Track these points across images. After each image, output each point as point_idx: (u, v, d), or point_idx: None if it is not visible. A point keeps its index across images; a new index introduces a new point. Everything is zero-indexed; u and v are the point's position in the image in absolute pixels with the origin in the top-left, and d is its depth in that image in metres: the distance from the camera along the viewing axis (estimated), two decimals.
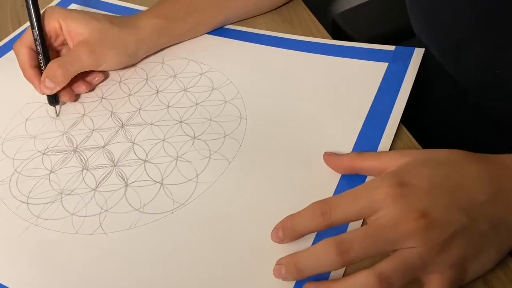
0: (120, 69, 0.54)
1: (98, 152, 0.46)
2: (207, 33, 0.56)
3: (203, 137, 0.46)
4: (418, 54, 0.50)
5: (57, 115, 0.50)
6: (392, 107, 0.45)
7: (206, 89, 0.51)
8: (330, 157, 0.41)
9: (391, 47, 0.51)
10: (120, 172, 0.44)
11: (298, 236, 0.34)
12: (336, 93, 0.48)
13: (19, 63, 0.49)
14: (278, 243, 0.35)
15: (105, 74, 0.53)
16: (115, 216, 0.41)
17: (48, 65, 0.48)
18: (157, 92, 0.51)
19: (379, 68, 0.49)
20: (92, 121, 0.49)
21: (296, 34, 0.55)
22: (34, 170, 0.45)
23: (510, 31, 0.42)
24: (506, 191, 0.33)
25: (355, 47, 0.52)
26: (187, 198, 0.41)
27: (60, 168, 0.45)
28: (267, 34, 0.56)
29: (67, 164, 0.45)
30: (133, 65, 0.54)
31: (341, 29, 0.67)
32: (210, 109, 0.48)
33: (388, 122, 0.44)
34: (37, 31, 0.48)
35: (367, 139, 0.43)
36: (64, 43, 0.52)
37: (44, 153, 0.47)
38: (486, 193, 0.32)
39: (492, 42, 0.45)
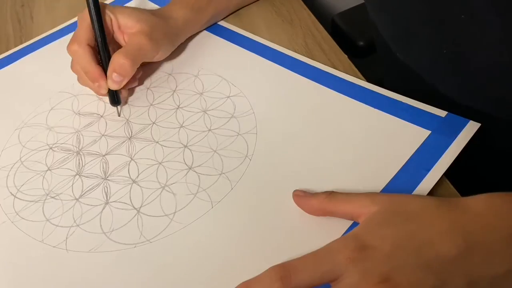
0: (153, 74, 0.53)
1: (97, 160, 0.45)
2: (244, 47, 0.54)
3: (199, 170, 0.42)
4: (471, 127, 0.41)
5: (119, 115, 0.49)
6: (419, 183, 0.38)
7: (225, 115, 0.47)
8: (299, 197, 0.38)
9: (442, 113, 0.43)
10: (107, 187, 0.42)
11: None
12: (361, 150, 0.42)
13: (78, 63, 0.48)
14: None
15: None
16: (83, 234, 0.39)
17: (113, 57, 0.47)
18: (178, 108, 0.49)
19: (419, 135, 0.42)
20: (106, 125, 0.48)
21: (297, 34, 0.55)
22: (34, 163, 0.45)
23: (453, 15, 0.40)
24: (480, 243, 0.30)
25: (400, 101, 0.45)
26: (155, 235, 0.38)
27: (57, 168, 0.45)
28: (305, 61, 0.51)
29: (65, 165, 0.45)
30: (168, 73, 0.52)
31: (341, 29, 0.66)
32: (220, 138, 0.45)
33: None
34: (97, 26, 0.47)
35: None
36: (110, 40, 0.50)
37: (51, 148, 0.47)
38: (457, 248, 0.30)
39: (438, 28, 0.42)
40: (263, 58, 0.52)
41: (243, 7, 0.60)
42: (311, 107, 0.46)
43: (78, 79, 0.50)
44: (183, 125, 0.47)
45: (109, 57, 0.47)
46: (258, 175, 0.41)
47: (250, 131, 0.45)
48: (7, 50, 0.59)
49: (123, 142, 0.46)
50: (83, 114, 0.50)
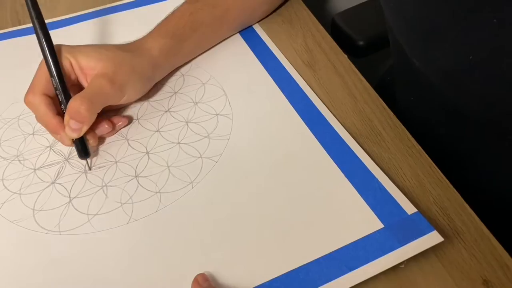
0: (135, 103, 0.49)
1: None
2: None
3: (142, 181, 0.42)
4: (430, 239, 0.34)
5: (90, 169, 0.44)
6: (331, 279, 0.33)
7: (203, 132, 0.45)
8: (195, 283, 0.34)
9: (411, 209, 0.36)
10: (62, 168, 0.44)
11: None
12: (308, 212, 0.38)
13: (37, 115, 0.44)
14: None
15: (129, 119, 0.48)
16: (17, 204, 0.42)
17: (69, 103, 0.42)
18: (167, 111, 0.48)
19: (369, 225, 0.36)
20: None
21: (297, 34, 0.54)
22: (26, 124, 0.49)
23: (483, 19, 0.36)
24: None
25: (376, 179, 0.39)
26: (68, 229, 0.39)
27: (39, 135, 0.48)
28: (298, 81, 0.48)
29: (47, 134, 0.48)
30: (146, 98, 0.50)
31: (341, 28, 0.65)
32: (181, 155, 0.44)
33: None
34: (54, 71, 0.43)
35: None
36: (74, 83, 0.46)
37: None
38: None
39: (466, 33, 0.38)
40: (273, 82, 0.49)
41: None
42: (286, 149, 0.43)
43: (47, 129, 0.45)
44: (160, 129, 0.46)
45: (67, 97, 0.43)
46: (190, 207, 0.39)
47: (213, 157, 0.43)
48: None
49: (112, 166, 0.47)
50: None
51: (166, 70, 0.50)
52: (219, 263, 0.35)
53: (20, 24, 0.63)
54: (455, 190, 0.39)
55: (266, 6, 0.56)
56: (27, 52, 0.56)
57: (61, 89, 0.43)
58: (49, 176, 0.44)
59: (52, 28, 0.60)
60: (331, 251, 0.35)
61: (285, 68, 0.50)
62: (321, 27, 0.55)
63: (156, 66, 0.48)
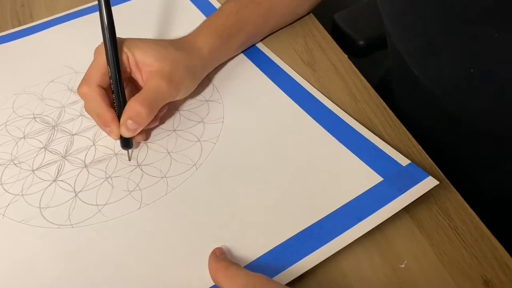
0: None
1: (65, 137, 0.47)
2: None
3: (145, 169, 0.43)
4: (427, 183, 0.38)
5: (129, 159, 0.44)
6: (344, 230, 0.36)
7: (196, 118, 0.47)
8: (213, 256, 0.35)
9: (405, 161, 0.39)
10: (61, 166, 0.44)
11: None
12: (308, 178, 0.40)
13: (90, 106, 0.44)
14: None
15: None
16: (22, 204, 0.42)
17: (129, 104, 0.42)
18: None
19: (370, 180, 0.39)
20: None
21: (297, 34, 0.55)
22: (15, 129, 0.49)
23: (485, 32, 0.37)
24: None
25: (367, 139, 0.42)
26: (79, 221, 0.40)
27: (31, 138, 0.48)
28: (298, 81, 0.49)
29: (39, 136, 0.48)
30: None
31: (341, 28, 0.65)
32: (179, 140, 0.45)
33: (327, 244, 0.35)
34: (114, 66, 0.43)
35: (293, 248, 0.35)
36: (128, 77, 0.46)
37: (34, 118, 0.50)
38: None
39: (467, 45, 0.39)
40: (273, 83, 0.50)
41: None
42: (278, 125, 0.45)
43: (94, 119, 0.45)
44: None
45: (124, 100, 0.44)
46: (197, 187, 0.41)
47: (211, 140, 0.45)
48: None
49: (94, 126, 0.48)
50: (74, 92, 0.52)
51: (210, 68, 0.51)
52: (233, 234, 0.37)
53: (20, 24, 0.62)
54: (455, 190, 0.39)
55: (309, 2, 0.57)
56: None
57: (118, 81, 0.43)
58: (49, 175, 0.44)
59: (52, 25, 0.62)
60: (339, 206, 0.37)
61: (269, 58, 0.52)
62: (321, 27, 0.56)
63: (205, 66, 0.49)
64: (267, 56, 0.52)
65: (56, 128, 0.48)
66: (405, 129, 0.44)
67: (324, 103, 0.46)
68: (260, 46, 0.54)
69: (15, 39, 0.60)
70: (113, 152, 0.45)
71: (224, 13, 0.51)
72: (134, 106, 0.42)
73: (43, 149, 0.46)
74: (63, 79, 0.54)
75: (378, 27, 0.61)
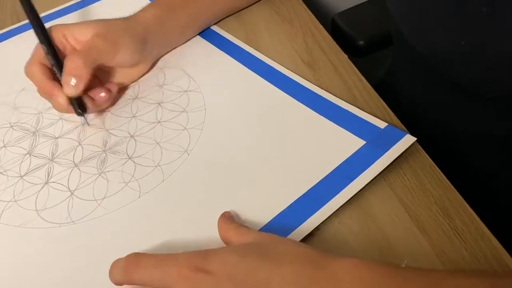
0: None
1: (49, 141, 0.47)
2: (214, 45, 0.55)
3: (137, 160, 0.44)
4: (406, 141, 0.41)
5: (88, 124, 0.47)
6: (339, 191, 0.38)
7: (178, 108, 0.48)
8: (222, 218, 0.37)
9: (382, 124, 0.43)
10: (50, 168, 0.44)
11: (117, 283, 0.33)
12: (293, 151, 0.43)
13: (34, 83, 0.47)
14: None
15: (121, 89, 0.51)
16: (18, 209, 0.42)
17: (66, 60, 0.45)
18: (135, 98, 0.50)
19: (353, 144, 0.42)
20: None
21: (297, 34, 0.55)
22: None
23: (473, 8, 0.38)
24: None
25: (344, 109, 0.45)
26: (81, 217, 0.40)
27: (12, 146, 0.47)
28: (269, 63, 0.51)
29: (20, 143, 0.47)
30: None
31: (341, 28, 0.65)
32: (166, 131, 0.46)
33: (326, 204, 0.38)
34: (45, 44, 0.46)
35: (296, 212, 0.38)
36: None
37: (12, 126, 0.49)
38: None
39: (458, 20, 0.41)
40: (232, 58, 0.53)
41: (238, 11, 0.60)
42: (258, 105, 0.47)
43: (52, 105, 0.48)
44: (136, 115, 0.48)
45: (60, 65, 0.46)
46: (192, 170, 0.43)
47: (196, 127, 0.46)
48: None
49: (76, 127, 0.48)
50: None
51: (159, 38, 0.52)
52: (236, 207, 0.39)
53: (19, 20, 0.61)
54: (455, 190, 0.39)
55: None
56: None
57: (51, 52, 0.46)
58: (39, 179, 0.44)
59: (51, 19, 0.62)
60: (331, 171, 0.40)
61: (240, 47, 0.54)
62: (321, 27, 0.56)
63: (148, 30, 0.50)
64: (238, 46, 0.54)
65: (37, 134, 0.48)
66: (405, 129, 0.44)
67: (299, 81, 0.48)
68: (231, 38, 0.56)
69: None
70: (101, 149, 0.46)
71: None
72: (70, 60, 0.45)
73: (28, 155, 0.46)
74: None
75: (378, 27, 0.64)
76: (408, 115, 0.46)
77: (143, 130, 0.47)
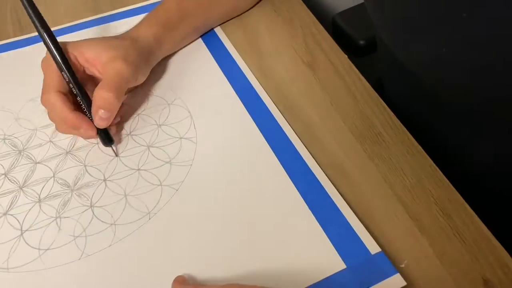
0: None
1: (28, 165, 0.45)
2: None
3: (96, 212, 0.40)
4: (395, 281, 0.33)
5: (117, 155, 0.44)
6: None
7: (164, 157, 0.44)
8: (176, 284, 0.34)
9: (375, 248, 0.35)
10: (15, 198, 0.42)
11: None
12: (275, 250, 0.36)
13: (54, 113, 0.44)
14: None
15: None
16: None
17: (95, 93, 0.42)
18: (128, 135, 0.46)
19: (334, 264, 0.34)
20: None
21: (297, 34, 0.54)
22: None
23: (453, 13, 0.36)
24: None
25: (343, 216, 0.37)
26: (17, 266, 0.37)
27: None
28: (281, 125, 0.45)
29: (2, 160, 0.46)
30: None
31: (341, 28, 0.65)
32: (141, 182, 0.42)
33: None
34: (65, 69, 0.43)
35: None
36: (83, 76, 0.46)
37: (4, 139, 0.48)
38: None
39: (437, 26, 0.38)
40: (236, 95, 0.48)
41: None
42: (253, 180, 0.41)
43: (57, 128, 0.46)
44: (120, 155, 0.44)
45: (86, 96, 0.44)
46: (149, 239, 0.38)
47: (172, 185, 0.41)
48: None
49: (59, 154, 0.45)
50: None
51: (158, 58, 0.51)
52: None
53: (20, 24, 0.61)
54: (455, 190, 0.38)
55: None
56: None
57: (73, 81, 0.44)
58: (1, 207, 0.42)
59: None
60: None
61: (250, 84, 0.49)
62: (321, 27, 0.55)
63: (151, 53, 0.49)
64: (253, 88, 0.48)
65: (22, 153, 0.46)
66: (405, 129, 0.43)
67: (307, 163, 0.41)
68: (231, 49, 0.53)
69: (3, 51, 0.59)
70: (70, 188, 0.42)
71: (164, 7, 0.52)
72: (101, 94, 0.42)
73: (3, 176, 0.44)
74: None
75: None
76: (407, 115, 0.45)
77: (119, 175, 0.43)
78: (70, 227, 0.39)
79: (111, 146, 0.44)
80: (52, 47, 0.44)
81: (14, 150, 0.46)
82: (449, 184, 0.39)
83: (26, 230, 0.40)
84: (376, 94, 0.47)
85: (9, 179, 0.44)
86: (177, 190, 0.41)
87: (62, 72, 0.43)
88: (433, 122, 0.49)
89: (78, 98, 0.44)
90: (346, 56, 0.51)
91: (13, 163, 0.45)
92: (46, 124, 0.48)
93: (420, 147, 0.42)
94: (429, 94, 0.45)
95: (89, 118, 0.44)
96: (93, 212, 0.40)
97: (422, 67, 0.43)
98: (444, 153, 0.45)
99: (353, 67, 0.50)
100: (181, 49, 0.54)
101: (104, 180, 0.42)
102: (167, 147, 0.45)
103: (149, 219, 0.39)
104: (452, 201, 0.38)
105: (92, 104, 0.43)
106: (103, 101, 0.42)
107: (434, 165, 0.40)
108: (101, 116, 0.42)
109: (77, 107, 0.44)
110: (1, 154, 0.46)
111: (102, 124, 0.43)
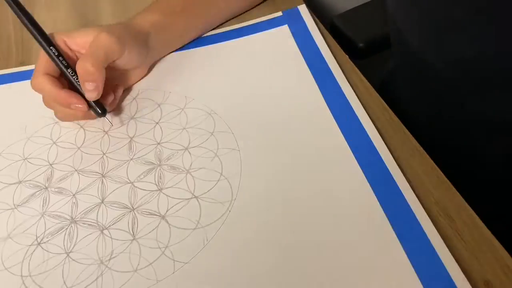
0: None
1: (66, 199, 0.41)
2: None
3: (170, 220, 0.39)
4: (303, 9, 0.54)
5: (112, 124, 0.47)
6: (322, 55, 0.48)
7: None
8: None
9: (279, 13, 0.54)
10: (72, 232, 0.39)
11: None
12: (270, 70, 0.47)
13: (44, 95, 0.45)
14: None
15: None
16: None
17: (77, 67, 0.43)
18: (158, 144, 0.45)
19: (284, 31, 0.50)
20: (82, 159, 0.45)
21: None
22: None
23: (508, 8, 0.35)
24: None
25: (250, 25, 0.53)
26: None
27: (22, 206, 0.42)
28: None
29: (30, 203, 0.42)
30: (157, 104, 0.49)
31: (340, 30, 0.65)
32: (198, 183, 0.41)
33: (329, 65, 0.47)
34: (53, 49, 0.44)
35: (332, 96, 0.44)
36: (75, 61, 0.46)
37: (20, 182, 0.44)
38: None
39: (486, 22, 0.38)
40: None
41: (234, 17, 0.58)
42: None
43: (56, 115, 0.47)
44: (161, 163, 0.43)
45: (75, 72, 0.44)
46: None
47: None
48: (8, 50, 0.59)
49: (95, 180, 0.42)
50: (61, 146, 0.46)
51: (159, 43, 0.50)
52: None
53: (21, 24, 0.56)
54: (456, 191, 0.39)
55: None
56: None
57: (62, 58, 0.44)
58: (59, 247, 0.38)
59: None
60: None
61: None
62: (323, 27, 0.55)
63: (148, 37, 0.48)
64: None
65: (48, 190, 0.42)
66: (407, 130, 0.43)
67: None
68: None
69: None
70: (129, 207, 0.40)
71: None
72: (81, 65, 0.43)
73: (42, 216, 0.40)
74: (43, 131, 0.48)
75: (378, 29, 0.62)
76: (409, 116, 0.45)
77: (171, 182, 0.41)
78: (150, 245, 0.37)
79: (104, 116, 0.46)
80: (31, 27, 0.44)
81: (38, 189, 0.42)
82: (450, 185, 0.39)
83: (110, 259, 0.37)
84: (378, 95, 0.47)
85: (50, 217, 0.40)
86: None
87: (48, 50, 0.44)
88: (444, 122, 0.49)
89: (69, 71, 0.44)
90: (347, 56, 0.51)
91: (46, 199, 0.41)
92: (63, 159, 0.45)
93: (422, 149, 0.42)
94: (451, 93, 0.45)
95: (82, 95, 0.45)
96: (167, 222, 0.38)
97: (454, 67, 0.42)
98: (450, 153, 0.46)
99: (355, 67, 0.50)
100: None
101: (159, 190, 0.41)
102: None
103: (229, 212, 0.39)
104: (452, 202, 0.38)
105: (79, 78, 0.43)
106: (84, 71, 0.43)
107: (436, 166, 0.40)
108: (88, 87, 0.43)
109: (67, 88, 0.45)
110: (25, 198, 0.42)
111: (91, 96, 0.44)
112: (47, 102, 0.46)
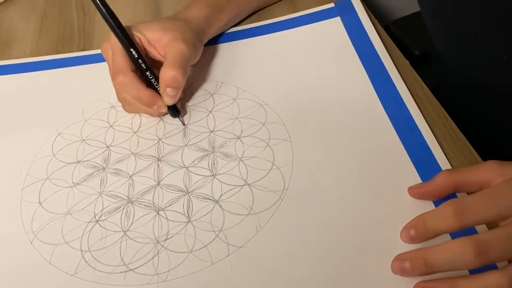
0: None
1: (122, 180, 0.43)
2: None
3: (224, 205, 0.40)
4: (356, 1, 0.54)
5: (184, 124, 0.47)
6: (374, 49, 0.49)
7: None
8: (420, 189, 0.37)
9: (331, 4, 0.55)
10: (129, 212, 0.40)
11: (430, 236, 0.33)
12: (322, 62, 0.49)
13: (128, 93, 0.46)
14: (409, 243, 0.34)
15: None
16: (94, 262, 0.38)
17: (162, 72, 0.45)
18: (211, 132, 0.46)
19: (336, 23, 0.51)
20: (138, 143, 0.46)
21: None
22: (60, 181, 0.44)
23: None
24: None
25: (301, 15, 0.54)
26: (175, 278, 0.36)
27: (81, 184, 0.43)
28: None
29: (89, 182, 0.43)
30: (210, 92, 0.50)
31: (396, 37, 0.63)
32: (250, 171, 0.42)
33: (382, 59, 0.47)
34: (134, 51, 0.45)
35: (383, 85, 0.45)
36: (148, 58, 0.48)
37: (79, 161, 0.45)
38: None
39: (502, 34, 0.39)
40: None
41: (265, 7, 0.61)
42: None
43: (125, 107, 0.48)
44: (214, 150, 0.44)
45: (155, 75, 0.46)
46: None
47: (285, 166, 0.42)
48: (70, 36, 0.61)
49: (151, 164, 0.44)
50: (118, 129, 0.48)
51: (208, 37, 0.53)
52: None
53: (84, 11, 0.60)
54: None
55: None
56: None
57: (144, 64, 0.45)
58: (116, 226, 0.40)
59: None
60: None
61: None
62: (383, 31, 0.53)
63: (202, 33, 0.51)
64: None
65: (106, 171, 0.44)
66: (467, 141, 0.42)
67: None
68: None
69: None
70: (184, 190, 0.41)
71: None
72: (168, 73, 0.44)
73: (99, 195, 0.42)
74: (100, 115, 0.49)
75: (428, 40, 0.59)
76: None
77: (226, 168, 0.42)
78: (206, 227, 0.38)
79: (178, 117, 0.47)
80: (114, 26, 0.44)
81: (97, 168, 0.44)
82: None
83: (166, 239, 0.38)
84: (437, 101, 0.45)
85: (108, 196, 0.42)
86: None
87: (131, 49, 0.45)
88: (488, 131, 0.49)
89: (148, 73, 0.46)
90: (408, 62, 0.50)
91: (104, 179, 0.43)
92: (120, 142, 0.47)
93: (479, 158, 0.40)
94: (485, 103, 0.46)
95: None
96: (221, 207, 0.39)
97: (480, 75, 0.43)
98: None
99: (414, 73, 0.48)
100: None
101: (213, 176, 0.42)
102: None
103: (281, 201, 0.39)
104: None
105: (160, 84, 0.45)
106: (170, 79, 0.44)
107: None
108: (169, 93, 0.45)
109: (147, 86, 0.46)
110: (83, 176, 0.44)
111: (170, 101, 0.45)
112: (124, 98, 0.47)
